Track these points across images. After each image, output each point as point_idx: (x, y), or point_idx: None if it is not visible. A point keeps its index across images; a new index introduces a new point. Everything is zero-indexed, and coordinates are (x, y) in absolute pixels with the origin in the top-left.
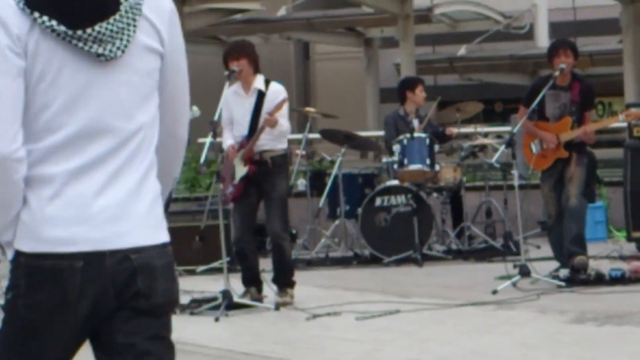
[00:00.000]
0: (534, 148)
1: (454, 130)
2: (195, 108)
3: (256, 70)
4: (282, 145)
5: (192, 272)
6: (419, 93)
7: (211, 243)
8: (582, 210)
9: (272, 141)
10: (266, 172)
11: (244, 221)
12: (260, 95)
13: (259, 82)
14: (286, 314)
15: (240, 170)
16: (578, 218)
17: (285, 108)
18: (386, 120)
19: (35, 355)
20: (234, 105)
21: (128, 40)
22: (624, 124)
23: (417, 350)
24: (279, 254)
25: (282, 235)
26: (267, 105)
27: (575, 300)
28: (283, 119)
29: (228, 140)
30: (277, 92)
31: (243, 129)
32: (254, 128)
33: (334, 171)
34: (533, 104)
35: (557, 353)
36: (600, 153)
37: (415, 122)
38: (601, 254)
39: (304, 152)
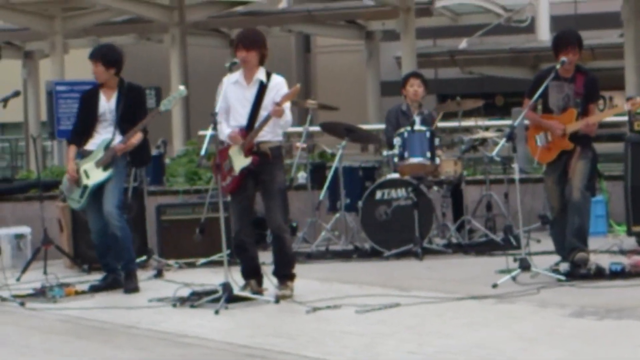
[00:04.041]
0: (539, 141)
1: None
2: (182, 87)
3: (261, 62)
4: (279, 137)
5: (192, 265)
6: (409, 88)
7: (211, 236)
8: (585, 204)
9: (270, 133)
10: (265, 164)
11: (243, 214)
12: (262, 87)
13: (261, 73)
14: (286, 307)
15: (240, 161)
16: (581, 212)
17: None
18: (388, 115)
19: None
20: (233, 94)
21: None
22: (625, 118)
23: (417, 343)
24: (279, 246)
25: (283, 227)
26: (268, 97)
27: (575, 294)
28: (287, 110)
29: (226, 129)
30: (279, 84)
31: (241, 119)
32: (253, 119)
33: (335, 164)
34: (536, 95)
35: (556, 347)
36: (600, 147)
37: (417, 118)
38: (601, 248)
39: (304, 145)
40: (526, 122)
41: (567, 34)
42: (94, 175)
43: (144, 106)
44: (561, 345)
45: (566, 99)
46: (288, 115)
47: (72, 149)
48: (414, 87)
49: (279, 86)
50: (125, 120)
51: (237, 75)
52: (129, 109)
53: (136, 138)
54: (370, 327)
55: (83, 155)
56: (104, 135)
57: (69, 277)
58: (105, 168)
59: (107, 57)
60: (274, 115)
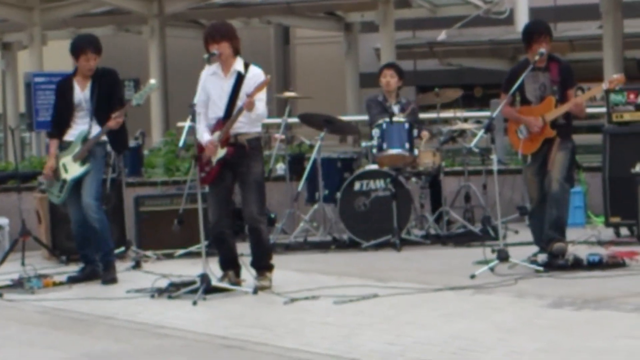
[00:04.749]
0: (520, 133)
1: (426, 133)
2: (152, 81)
3: (236, 52)
4: (257, 129)
5: (170, 256)
6: (382, 79)
7: (190, 227)
8: (564, 195)
9: (247, 124)
10: (242, 155)
11: (220, 205)
12: (239, 78)
13: (238, 64)
14: (264, 298)
15: (217, 152)
16: (559, 204)
17: (264, 91)
18: (368, 103)
19: None
20: (211, 86)
21: None
22: (604, 110)
23: (395, 334)
24: (256, 238)
25: (258, 219)
26: (246, 88)
27: (553, 285)
28: (261, 103)
29: (205, 134)
30: (256, 75)
31: (219, 111)
32: (231, 110)
33: (313, 155)
34: (512, 89)
35: (534, 337)
36: (578, 138)
37: (395, 108)
38: (579, 239)
39: (283, 136)
40: None
41: (538, 25)
42: (72, 169)
43: (119, 89)
44: (539, 336)
45: (542, 88)
46: (260, 109)
47: (54, 144)
48: (387, 78)
49: (256, 77)
50: (101, 108)
51: (214, 67)
52: (104, 95)
53: (121, 119)
54: (349, 318)
55: (62, 146)
56: (82, 125)
57: (47, 268)
58: (82, 162)
59: (97, 44)
60: (245, 108)
